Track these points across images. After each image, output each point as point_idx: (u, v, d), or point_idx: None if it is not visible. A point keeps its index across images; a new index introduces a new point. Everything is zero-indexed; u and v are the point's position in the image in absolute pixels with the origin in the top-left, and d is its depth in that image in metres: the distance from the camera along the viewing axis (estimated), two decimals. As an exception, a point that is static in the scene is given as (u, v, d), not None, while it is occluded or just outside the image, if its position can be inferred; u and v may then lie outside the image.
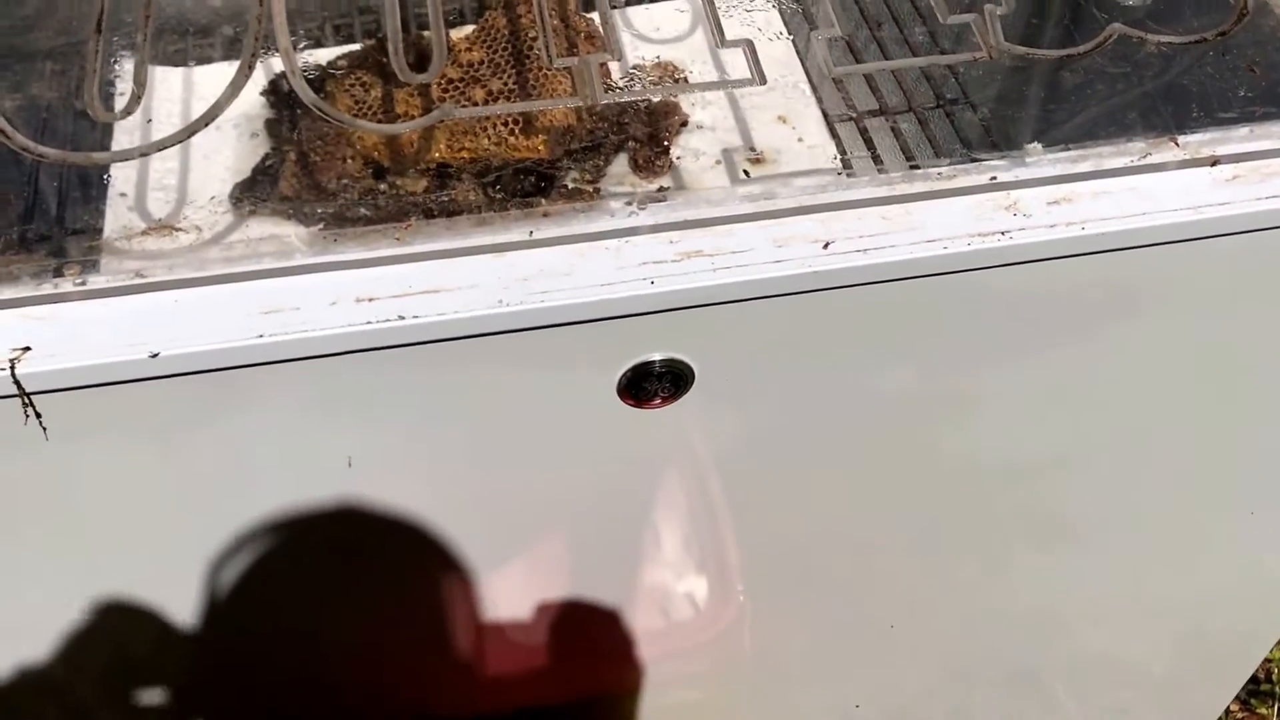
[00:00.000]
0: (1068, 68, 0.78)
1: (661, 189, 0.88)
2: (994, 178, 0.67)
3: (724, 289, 0.63)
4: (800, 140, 0.91)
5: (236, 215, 0.83)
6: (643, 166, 0.89)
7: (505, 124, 0.81)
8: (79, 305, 0.61)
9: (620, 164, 0.90)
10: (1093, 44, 0.71)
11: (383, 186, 0.84)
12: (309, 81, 0.87)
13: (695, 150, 0.91)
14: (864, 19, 0.93)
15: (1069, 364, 0.74)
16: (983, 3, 0.73)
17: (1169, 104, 0.73)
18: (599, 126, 0.86)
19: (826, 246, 0.65)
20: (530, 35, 0.85)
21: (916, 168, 0.69)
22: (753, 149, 0.90)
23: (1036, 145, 0.68)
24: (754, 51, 0.72)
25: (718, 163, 0.90)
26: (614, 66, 0.93)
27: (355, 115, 0.82)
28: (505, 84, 0.83)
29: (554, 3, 0.86)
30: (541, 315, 0.62)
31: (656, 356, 0.67)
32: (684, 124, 0.91)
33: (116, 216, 0.79)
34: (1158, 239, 0.66)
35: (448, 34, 0.89)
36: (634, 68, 0.95)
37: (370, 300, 0.62)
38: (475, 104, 0.82)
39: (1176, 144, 0.68)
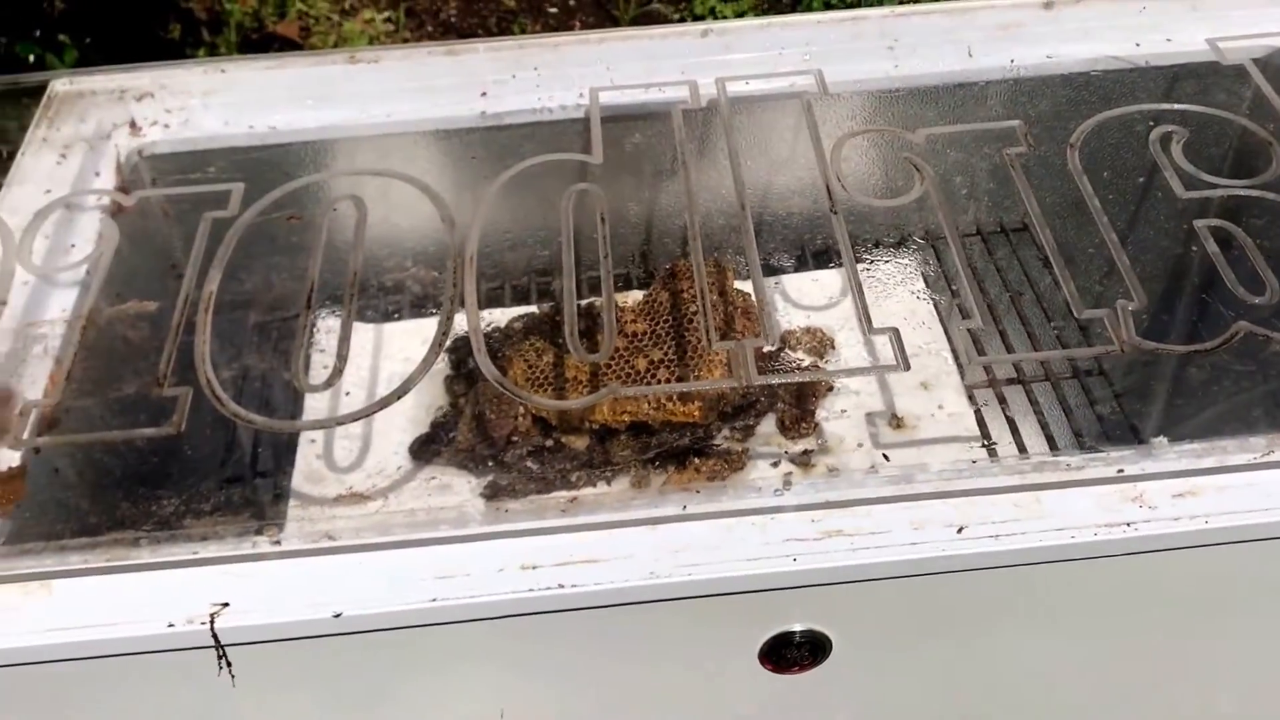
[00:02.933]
0: (1195, 364, 0.81)
1: (806, 451, 0.93)
2: (1121, 470, 0.70)
3: (862, 569, 0.67)
4: (940, 408, 0.95)
5: (415, 466, 0.91)
6: (789, 428, 0.94)
7: (665, 395, 0.88)
8: (275, 564, 0.68)
9: (769, 424, 0.96)
10: (1219, 341, 0.75)
11: (549, 443, 0.91)
12: (493, 345, 0.96)
13: (839, 412, 0.97)
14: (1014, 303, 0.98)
15: (1183, 648, 0.75)
16: (1115, 298, 0.78)
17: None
18: (750, 392, 0.93)
19: (960, 531, 0.68)
20: (691, 310, 0.92)
21: (1056, 450, 0.72)
22: (895, 415, 0.95)
23: (1163, 439, 0.71)
24: (900, 340, 0.78)
25: (860, 428, 0.95)
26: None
27: (528, 378, 0.90)
28: (665, 354, 0.90)
29: (714, 279, 0.94)
30: (690, 587, 0.67)
31: (797, 627, 0.71)
32: (830, 389, 0.97)
33: (306, 462, 0.88)
34: (1274, 534, 0.68)
35: (619, 305, 0.98)
36: (785, 333, 1.02)
37: (534, 568, 0.68)
38: (638, 372, 0.89)
39: (1294, 438, 0.70)
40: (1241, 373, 0.79)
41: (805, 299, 1.06)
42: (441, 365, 0.98)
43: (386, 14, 2.29)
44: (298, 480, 0.86)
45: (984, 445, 0.91)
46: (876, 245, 0.96)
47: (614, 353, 0.91)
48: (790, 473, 0.91)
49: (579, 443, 0.91)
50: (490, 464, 0.90)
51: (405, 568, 0.68)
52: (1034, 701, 0.79)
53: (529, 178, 0.89)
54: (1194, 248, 0.81)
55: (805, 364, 0.99)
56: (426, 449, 0.90)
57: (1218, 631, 0.74)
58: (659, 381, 0.87)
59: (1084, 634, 0.74)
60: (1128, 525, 0.68)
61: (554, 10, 2.34)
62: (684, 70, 0.97)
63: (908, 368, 0.75)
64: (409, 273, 0.91)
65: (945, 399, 0.95)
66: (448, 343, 0.78)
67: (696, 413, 0.87)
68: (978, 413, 0.94)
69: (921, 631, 0.72)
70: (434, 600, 0.66)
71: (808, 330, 1.02)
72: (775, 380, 0.82)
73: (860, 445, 0.93)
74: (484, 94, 0.96)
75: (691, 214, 0.85)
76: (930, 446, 0.92)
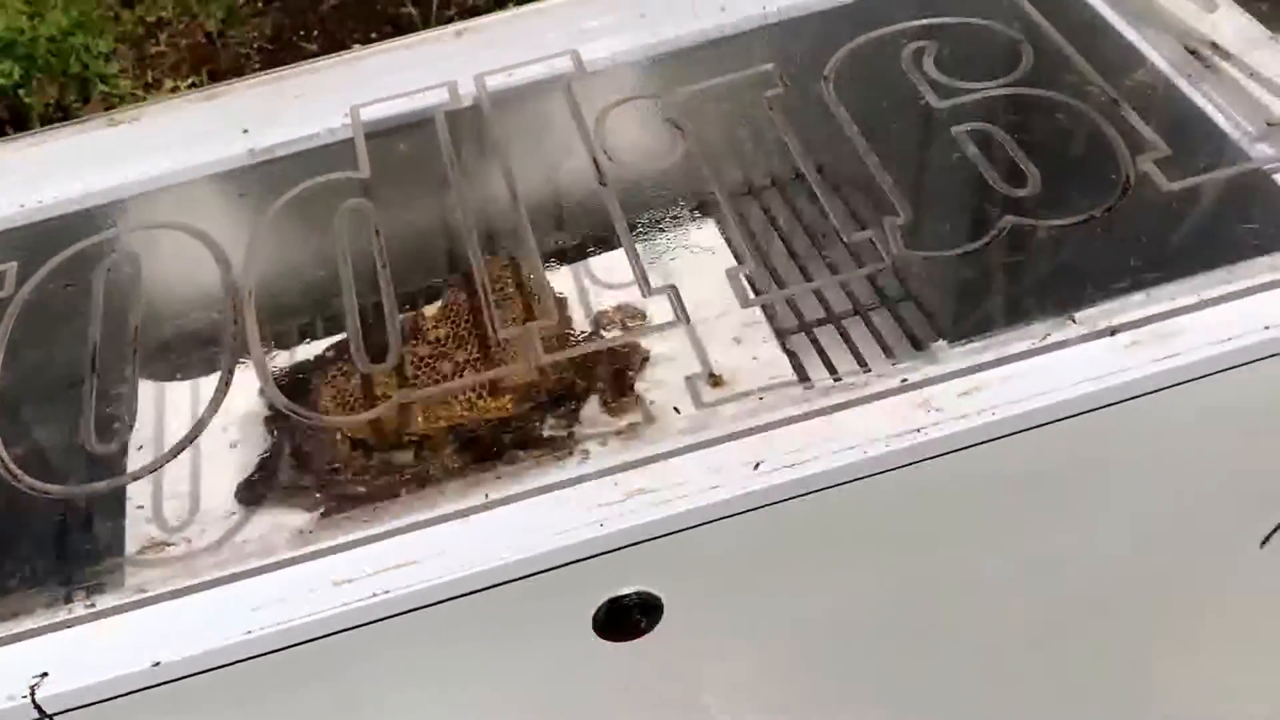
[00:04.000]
0: (971, 265, 0.83)
1: (631, 425, 0.93)
2: (905, 379, 0.71)
3: (668, 521, 0.68)
4: (755, 358, 0.96)
5: (245, 511, 0.89)
6: (612, 406, 0.94)
7: (474, 390, 0.87)
8: (88, 627, 0.67)
9: (593, 406, 0.96)
10: (988, 238, 0.77)
11: (373, 462, 0.90)
12: (300, 376, 0.95)
13: (661, 382, 0.97)
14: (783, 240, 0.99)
15: (1009, 543, 0.76)
16: (882, 216, 0.79)
17: (1066, 284, 0.77)
18: (564, 377, 0.92)
19: (757, 467, 0.69)
20: (494, 303, 0.92)
21: (838, 379, 0.73)
22: (712, 374, 0.95)
23: (942, 343, 0.73)
24: (678, 295, 0.79)
25: (682, 393, 0.95)
26: (578, 314, 1.00)
27: (338, 403, 0.89)
28: (469, 355, 0.89)
29: (508, 273, 0.94)
30: (507, 570, 0.67)
31: (626, 591, 0.71)
32: (645, 360, 0.97)
33: (135, 529, 0.86)
34: (1067, 413, 0.69)
35: (420, 313, 0.97)
36: (598, 313, 1.02)
37: (348, 581, 0.67)
38: (445, 375, 0.88)
39: (1074, 321, 0.72)
40: (1014, 265, 0.81)
41: (615, 277, 1.06)
42: (259, 407, 0.96)
43: (190, 80, 2.25)
44: (129, 544, 0.84)
45: (800, 383, 0.92)
46: (654, 211, 0.96)
47: (421, 360, 0.90)
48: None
49: (403, 456, 0.89)
50: (318, 495, 0.89)
51: (219, 606, 0.66)
52: (870, 629, 0.80)
53: (300, 205, 0.88)
54: (955, 154, 0.83)
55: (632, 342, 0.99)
56: (252, 492, 0.89)
57: (1028, 524, 0.76)
58: (463, 379, 0.87)
59: (901, 550, 0.75)
60: (917, 431, 0.69)
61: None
62: (444, 73, 0.96)
63: (688, 321, 0.75)
64: (190, 320, 0.90)
65: (758, 350, 0.96)
66: (231, 378, 0.76)
67: (509, 405, 0.87)
68: (790, 354, 0.94)
69: (748, 575, 0.73)
70: (249, 633, 0.65)
71: (618, 308, 1.02)
72: (561, 356, 0.82)
73: (680, 411, 0.93)
74: (245, 131, 0.95)
75: (464, 213, 0.84)
76: (750, 398, 0.93)
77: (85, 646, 0.66)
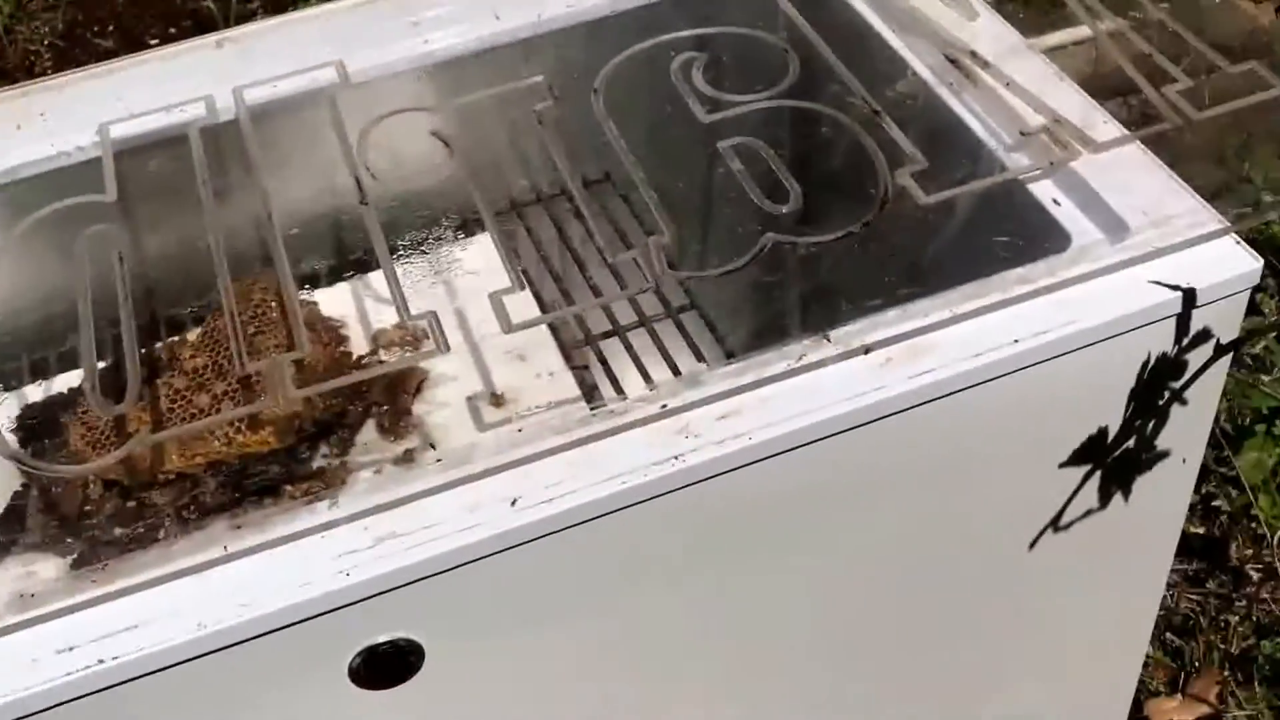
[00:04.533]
0: (735, 283, 0.82)
1: (408, 451, 0.90)
2: (665, 405, 0.69)
3: (419, 566, 0.64)
4: (538, 376, 0.93)
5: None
6: (388, 430, 0.91)
7: (231, 424, 0.82)
8: None
9: (370, 431, 0.92)
10: (748, 257, 0.75)
11: (129, 504, 0.84)
12: (48, 414, 0.89)
13: (442, 403, 0.93)
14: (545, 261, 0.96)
15: (779, 562, 0.75)
16: (648, 236, 0.77)
17: (823, 303, 0.76)
18: (334, 403, 0.88)
19: (514, 503, 0.66)
20: (250, 333, 0.87)
21: (597, 408, 0.71)
22: (494, 393, 0.92)
23: (703, 366, 0.71)
24: (438, 322, 0.75)
25: (463, 414, 0.91)
26: (359, 335, 0.95)
27: (88, 441, 0.83)
28: (229, 386, 0.84)
29: (270, 296, 0.89)
30: (246, 629, 0.63)
31: (382, 639, 0.68)
32: (423, 382, 0.93)
33: None
34: (822, 433, 0.68)
35: (181, 340, 0.92)
36: (377, 332, 0.98)
37: (70, 649, 0.62)
38: (201, 409, 0.83)
39: (829, 340, 0.71)
40: (774, 284, 0.80)
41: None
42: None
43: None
44: None
45: (588, 402, 0.90)
46: (420, 230, 0.93)
47: (177, 393, 0.85)
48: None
49: (163, 497, 0.84)
50: (70, 540, 0.83)
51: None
52: (645, 660, 0.78)
53: (40, 231, 0.82)
54: (720, 170, 0.81)
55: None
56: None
57: (797, 543, 0.75)
58: (219, 413, 0.82)
59: (670, 578, 0.73)
60: (676, 459, 0.67)
61: (155, 43, 2.21)
62: (202, 86, 0.90)
63: (447, 349, 0.72)
64: None
65: (542, 363, 0.93)
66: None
67: (272, 439, 0.82)
68: (576, 371, 0.92)
69: (514, 614, 0.70)
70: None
71: (398, 327, 0.98)
72: (314, 390, 0.78)
73: (436, 448, 0.90)
74: (-20, 153, 0.88)
75: (215, 235, 0.80)
76: (535, 415, 0.90)
77: None
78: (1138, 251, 0.74)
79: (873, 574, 0.80)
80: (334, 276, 0.98)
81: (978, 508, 0.79)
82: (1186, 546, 1.53)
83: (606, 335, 0.96)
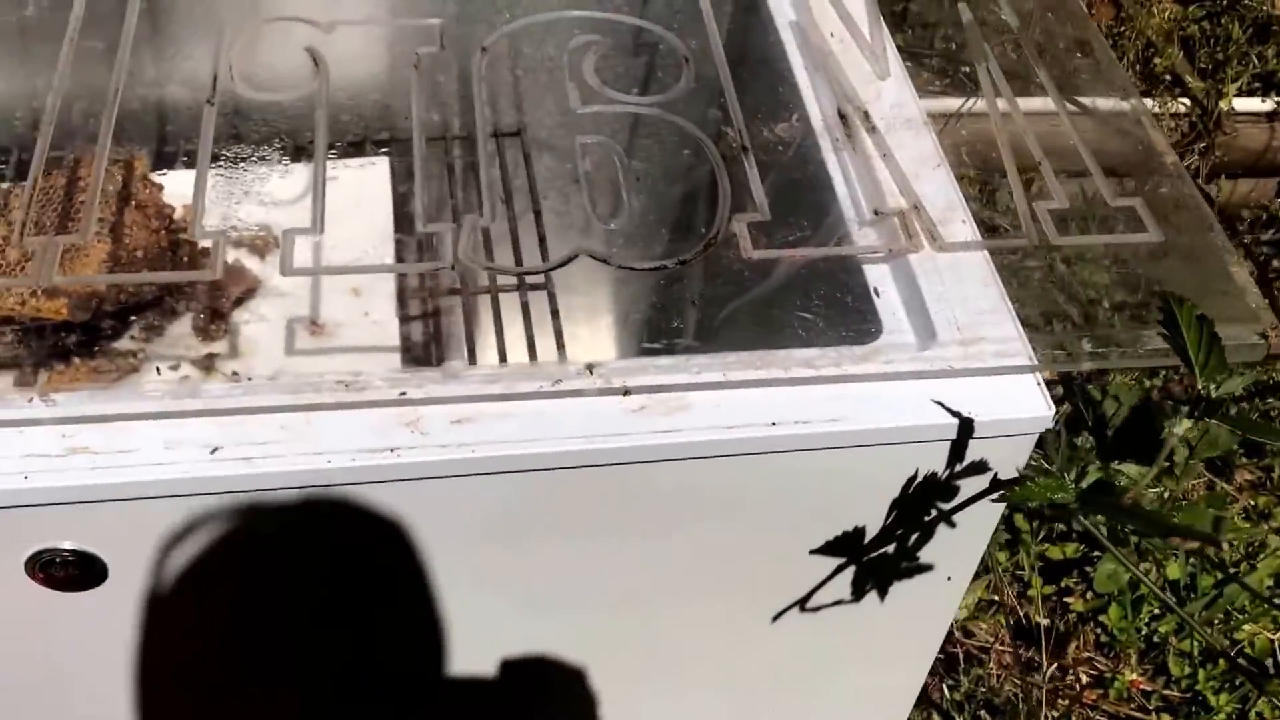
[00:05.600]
0: (529, 285, 0.78)
1: (211, 355, 0.87)
2: (404, 393, 0.66)
3: (102, 489, 0.62)
4: (366, 314, 0.90)
5: None
6: (200, 330, 0.88)
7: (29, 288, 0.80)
8: None
9: (185, 325, 0.89)
10: (553, 263, 0.71)
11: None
12: None
13: (263, 316, 0.91)
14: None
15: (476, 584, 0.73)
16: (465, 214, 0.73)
17: (611, 327, 0.72)
18: (141, 289, 0.85)
19: (214, 452, 0.63)
20: (80, 200, 0.84)
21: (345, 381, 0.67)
22: (315, 321, 0.90)
23: (459, 363, 0.68)
24: (225, 243, 0.72)
25: (278, 333, 0.89)
26: (210, 223, 0.92)
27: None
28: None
29: (120, 171, 0.86)
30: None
31: (65, 545, 0.65)
32: (250, 291, 0.90)
33: None
34: (548, 464, 0.65)
35: (11, 189, 0.89)
36: (231, 228, 0.95)
37: None
38: (8, 263, 0.81)
39: (591, 371, 0.67)
40: (567, 296, 0.76)
41: (273, 194, 0.98)
42: None
43: None
44: None
45: (402, 353, 0.87)
46: (251, 144, 0.89)
47: (-6, 234, 0.82)
48: (186, 376, 0.85)
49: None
50: None
51: None
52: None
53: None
54: (568, 164, 0.77)
55: (237, 265, 0.92)
56: None
57: (495, 572, 0.72)
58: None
59: (353, 570, 0.71)
60: (392, 450, 0.64)
61: None
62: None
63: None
64: None
65: (375, 305, 0.90)
66: None
67: (64, 310, 0.80)
68: (403, 323, 0.89)
69: (203, 557, 0.68)
70: None
71: (262, 229, 0.95)
72: (80, 282, 0.75)
73: (271, 350, 0.87)
74: None
75: (57, 97, 0.76)
76: (343, 354, 0.88)
77: None
78: (933, 366, 0.69)
79: (591, 619, 0.77)
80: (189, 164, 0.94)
81: (719, 571, 0.76)
82: (1027, 632, 1.50)
83: (452, 292, 0.92)
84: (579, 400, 0.67)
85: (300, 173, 0.98)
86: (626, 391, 0.67)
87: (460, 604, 0.72)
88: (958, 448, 0.69)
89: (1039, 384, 0.70)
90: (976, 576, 1.50)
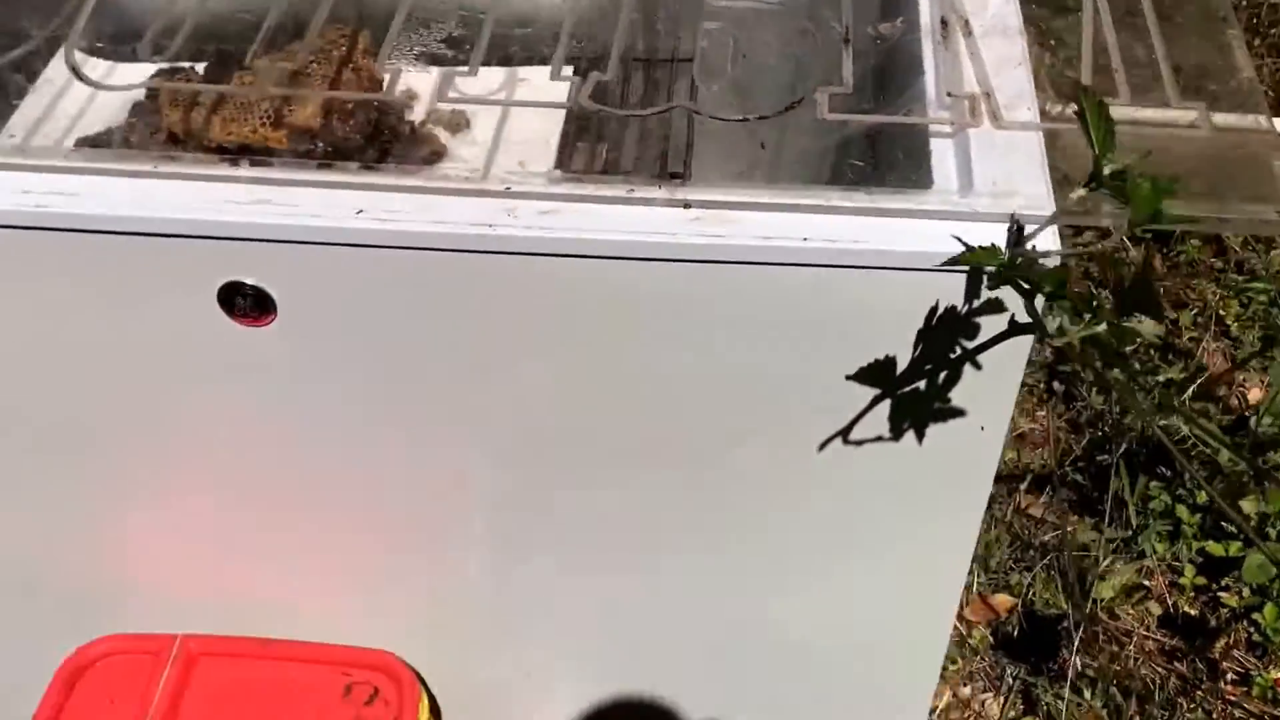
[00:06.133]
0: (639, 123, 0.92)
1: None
2: (509, 187, 0.82)
3: (273, 228, 0.81)
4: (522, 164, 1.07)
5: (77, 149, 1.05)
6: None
7: (262, 118, 1.01)
8: None
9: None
10: (654, 110, 0.86)
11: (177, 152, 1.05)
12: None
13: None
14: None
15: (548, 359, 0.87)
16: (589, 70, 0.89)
17: (694, 159, 0.86)
18: (350, 136, 1.05)
19: (359, 213, 0.81)
20: (309, 63, 1.05)
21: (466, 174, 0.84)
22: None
23: (557, 171, 0.82)
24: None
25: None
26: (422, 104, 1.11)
27: (172, 104, 1.04)
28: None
29: (345, 42, 1.07)
30: (141, 224, 0.81)
31: (248, 280, 0.85)
32: (437, 155, 1.08)
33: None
34: (613, 253, 0.79)
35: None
36: (435, 105, 1.14)
37: (25, 193, 0.82)
38: (249, 103, 1.03)
39: (661, 186, 0.81)
40: (667, 134, 0.90)
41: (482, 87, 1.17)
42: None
43: None
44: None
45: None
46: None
47: (243, 85, 1.04)
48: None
49: (205, 157, 1.04)
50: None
51: None
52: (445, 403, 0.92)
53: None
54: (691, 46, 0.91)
55: (433, 133, 1.11)
56: (80, 145, 1.05)
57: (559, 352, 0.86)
58: (262, 108, 1.00)
59: (462, 328, 0.86)
60: (490, 226, 0.80)
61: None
62: None
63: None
64: None
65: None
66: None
67: (283, 140, 1.00)
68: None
69: (344, 301, 0.85)
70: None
71: (455, 113, 1.13)
72: (283, 91, 0.93)
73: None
74: None
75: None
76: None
77: None
78: (959, 209, 0.78)
79: (637, 407, 0.90)
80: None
81: (763, 395, 0.87)
82: (1175, 623, 1.49)
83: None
84: (648, 208, 0.81)
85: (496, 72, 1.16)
86: (687, 204, 0.80)
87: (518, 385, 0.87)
88: (973, 283, 0.78)
89: (1055, 233, 0.78)
90: (1129, 560, 1.51)
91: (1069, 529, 1.59)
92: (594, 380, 0.88)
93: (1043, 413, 1.77)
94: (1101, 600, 1.49)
